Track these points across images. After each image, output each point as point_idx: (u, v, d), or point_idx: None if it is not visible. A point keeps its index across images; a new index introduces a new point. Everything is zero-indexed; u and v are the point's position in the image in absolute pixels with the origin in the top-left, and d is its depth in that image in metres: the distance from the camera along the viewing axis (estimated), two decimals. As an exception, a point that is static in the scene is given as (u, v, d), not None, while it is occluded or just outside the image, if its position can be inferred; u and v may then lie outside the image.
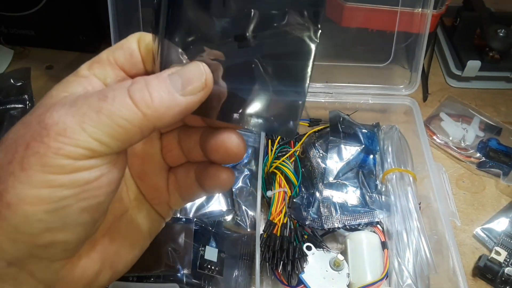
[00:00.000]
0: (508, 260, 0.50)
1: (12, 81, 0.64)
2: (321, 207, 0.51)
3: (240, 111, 0.27)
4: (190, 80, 0.25)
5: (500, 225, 0.54)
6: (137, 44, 0.28)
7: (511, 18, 0.71)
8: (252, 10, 0.27)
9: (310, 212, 0.51)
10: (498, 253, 0.50)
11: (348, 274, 0.46)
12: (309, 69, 0.27)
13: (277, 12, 0.27)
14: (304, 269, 0.46)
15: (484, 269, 0.49)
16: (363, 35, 0.62)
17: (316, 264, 0.47)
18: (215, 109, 0.27)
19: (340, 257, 0.46)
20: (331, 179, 0.53)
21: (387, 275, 0.47)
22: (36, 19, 0.67)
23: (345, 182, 0.53)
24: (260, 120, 0.27)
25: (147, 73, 0.28)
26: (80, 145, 0.23)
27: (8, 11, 0.67)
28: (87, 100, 0.24)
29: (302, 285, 0.46)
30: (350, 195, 0.52)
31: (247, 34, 0.27)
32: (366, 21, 0.61)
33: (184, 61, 0.27)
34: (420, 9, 0.57)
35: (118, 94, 0.24)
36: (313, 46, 0.27)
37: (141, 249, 0.32)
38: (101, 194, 0.25)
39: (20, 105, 0.62)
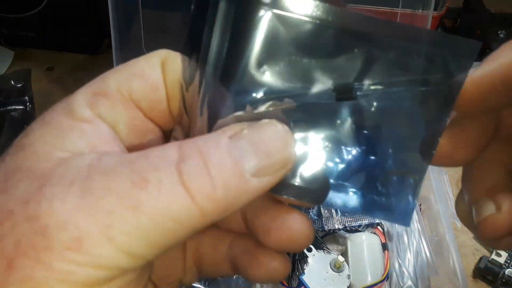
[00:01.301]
0: (508, 261, 0.50)
1: (12, 82, 0.64)
2: (321, 208, 0.51)
3: (321, 186, 0.19)
4: (268, 153, 0.16)
5: (500, 226, 0.54)
6: (161, 70, 0.19)
7: (511, 20, 0.71)
8: (366, 50, 0.18)
9: (311, 213, 0.51)
10: (498, 255, 0.50)
11: (349, 275, 0.46)
12: (438, 137, 0.19)
13: (403, 57, 0.18)
14: (305, 270, 0.46)
15: (484, 271, 0.49)
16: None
17: (316, 266, 0.46)
18: (282, 180, 0.18)
19: (341, 258, 0.46)
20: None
21: (387, 277, 0.47)
22: (36, 20, 0.67)
23: (345, 183, 0.53)
24: (353, 200, 0.20)
25: (171, 116, 0.20)
26: (103, 265, 0.15)
27: (9, 13, 0.67)
28: (112, 182, 0.15)
29: (303, 287, 0.45)
30: (351, 197, 0.52)
31: (352, 83, 0.19)
32: (366, 22, 0.61)
33: (246, 111, 0.18)
34: (420, 11, 0.57)
35: (165, 178, 0.15)
36: (449, 109, 0.19)
37: None
38: None
39: (20, 106, 0.62)
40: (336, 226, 0.49)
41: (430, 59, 0.18)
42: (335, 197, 0.20)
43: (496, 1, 0.76)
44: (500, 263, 0.49)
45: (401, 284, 0.46)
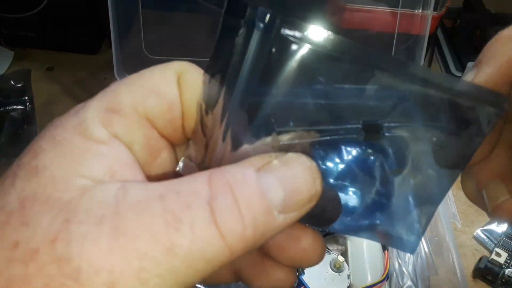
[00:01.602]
0: (508, 261, 0.50)
1: (12, 82, 0.64)
2: (321, 209, 0.51)
3: (334, 214, 0.20)
4: (296, 190, 0.16)
5: (500, 226, 0.54)
6: (178, 86, 0.18)
7: (511, 20, 0.71)
8: (397, 92, 0.18)
9: (311, 213, 0.51)
10: (498, 255, 0.50)
11: (349, 275, 0.46)
12: (457, 177, 0.20)
13: (432, 103, 0.18)
14: (304, 270, 0.46)
15: (484, 271, 0.49)
16: (363, 36, 0.62)
17: (316, 266, 0.46)
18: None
19: (341, 258, 0.46)
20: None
21: (387, 277, 0.47)
22: (36, 20, 0.67)
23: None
24: (360, 225, 0.20)
25: (184, 133, 0.19)
26: None
27: (9, 13, 0.67)
28: (144, 221, 0.14)
29: (303, 287, 0.45)
30: (351, 197, 0.52)
31: (381, 124, 0.19)
32: (366, 22, 0.61)
33: (272, 141, 0.18)
34: (420, 11, 0.57)
35: (198, 217, 0.15)
36: (469, 156, 0.20)
37: None
38: None
39: (20, 107, 0.62)
40: (336, 226, 0.49)
41: (458, 108, 0.19)
42: (343, 222, 0.20)
43: (496, 1, 0.76)
44: (500, 263, 0.49)
45: (401, 284, 0.46)
